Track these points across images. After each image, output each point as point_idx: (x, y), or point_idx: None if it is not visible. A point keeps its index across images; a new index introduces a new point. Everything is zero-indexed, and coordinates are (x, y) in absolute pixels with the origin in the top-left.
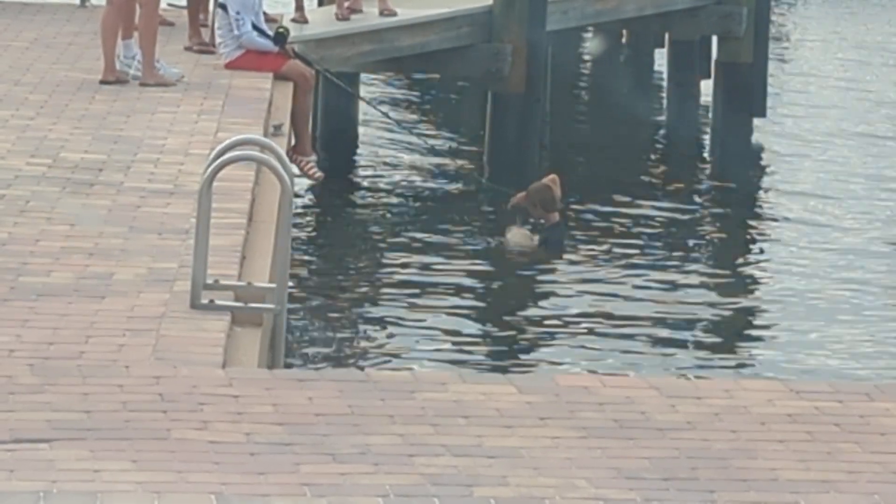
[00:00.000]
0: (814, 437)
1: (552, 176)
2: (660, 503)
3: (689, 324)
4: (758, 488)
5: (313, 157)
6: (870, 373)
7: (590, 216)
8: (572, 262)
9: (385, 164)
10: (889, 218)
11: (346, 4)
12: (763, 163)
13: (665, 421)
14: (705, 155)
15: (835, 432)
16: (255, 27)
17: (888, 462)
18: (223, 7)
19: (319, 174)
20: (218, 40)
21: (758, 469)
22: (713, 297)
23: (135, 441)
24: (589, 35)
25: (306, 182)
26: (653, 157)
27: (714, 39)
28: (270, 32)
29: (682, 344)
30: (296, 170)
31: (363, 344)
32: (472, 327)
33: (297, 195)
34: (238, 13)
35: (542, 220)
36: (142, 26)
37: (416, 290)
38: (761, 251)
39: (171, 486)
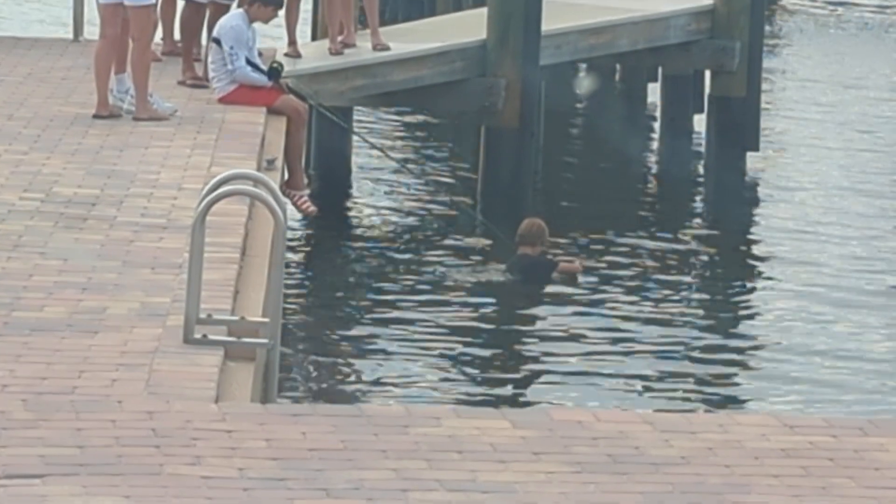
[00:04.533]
0: (808, 472)
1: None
2: None
3: (683, 358)
4: None
5: (306, 192)
6: (864, 407)
7: (583, 251)
8: (565, 296)
9: (378, 198)
10: (882, 253)
11: (339, 39)
12: (756, 197)
13: (659, 456)
14: (698, 189)
15: (829, 467)
16: (248, 62)
17: (883, 497)
18: (217, 42)
19: (313, 208)
20: (211, 75)
21: None
22: (706, 331)
23: (128, 476)
24: (582, 70)
25: (300, 216)
26: (646, 191)
27: (707, 74)
28: (264, 67)
29: (675, 378)
30: (289, 204)
31: (357, 378)
32: (465, 361)
33: (290, 229)
34: (232, 48)
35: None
36: (135, 61)
37: (410, 324)
38: (755, 286)
39: None
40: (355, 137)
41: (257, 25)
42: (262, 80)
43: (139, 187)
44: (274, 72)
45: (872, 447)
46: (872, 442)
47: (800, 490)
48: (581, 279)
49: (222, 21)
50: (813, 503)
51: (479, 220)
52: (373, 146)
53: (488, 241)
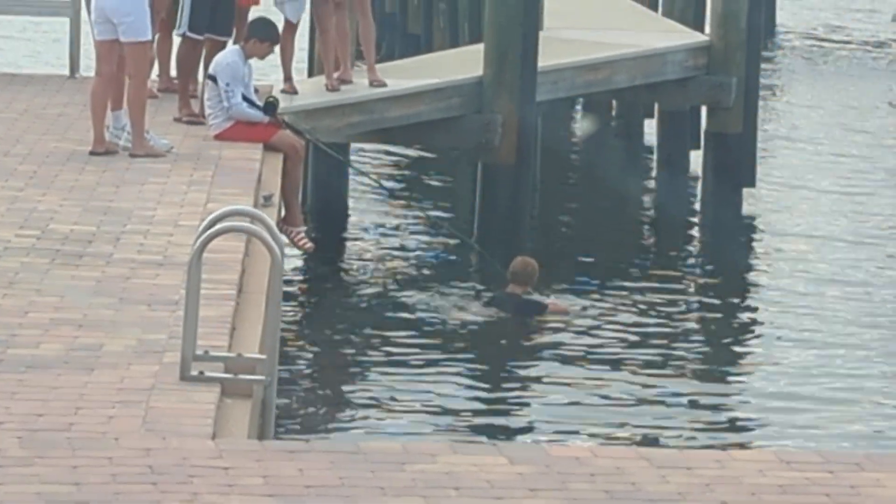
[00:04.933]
0: None
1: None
2: None
3: (679, 394)
4: None
5: (303, 228)
6: (861, 442)
7: (579, 288)
8: (563, 333)
9: (375, 234)
10: (879, 292)
11: (336, 75)
12: (752, 234)
13: (656, 492)
14: (694, 226)
15: (825, 503)
16: (244, 98)
17: None
18: (212, 78)
19: (310, 245)
20: (207, 111)
21: None
22: (702, 367)
23: None
24: (579, 106)
25: (296, 253)
26: (642, 229)
27: (703, 110)
28: (260, 103)
29: (672, 414)
30: (286, 240)
31: (354, 414)
32: (462, 396)
33: (287, 266)
34: (227, 84)
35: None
36: (131, 97)
37: (407, 359)
38: (751, 324)
39: None
40: (352, 173)
41: (253, 61)
42: (259, 115)
43: (135, 224)
44: (270, 106)
45: (869, 483)
46: (869, 477)
47: None
48: (575, 316)
49: (218, 58)
50: None
51: (476, 248)
52: (370, 179)
53: (484, 276)
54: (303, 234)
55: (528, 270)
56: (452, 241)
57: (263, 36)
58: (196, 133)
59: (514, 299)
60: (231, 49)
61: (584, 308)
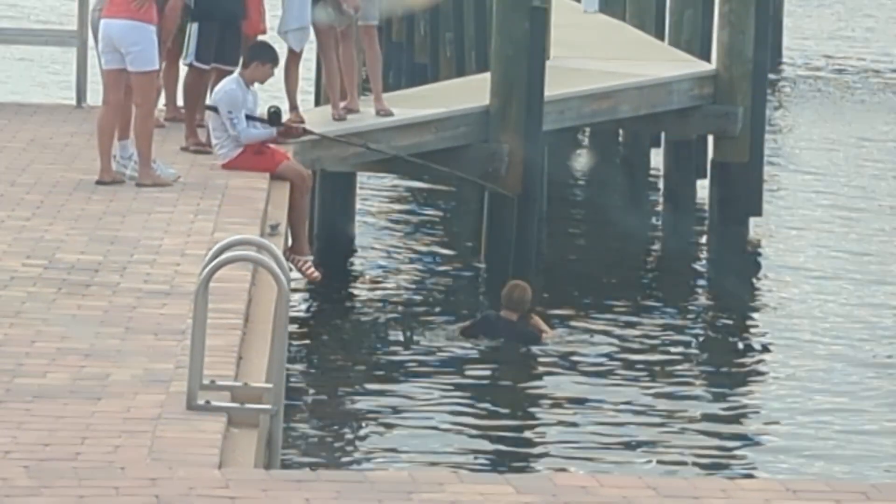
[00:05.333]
0: None
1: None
2: None
3: (685, 423)
4: None
5: (310, 257)
6: (868, 472)
7: (585, 318)
8: (569, 363)
9: (382, 263)
10: (886, 321)
11: (343, 104)
12: (758, 264)
13: None
14: (701, 257)
15: None
16: (248, 117)
17: None
18: (213, 109)
19: (317, 274)
20: (214, 142)
21: None
22: (708, 396)
23: None
24: (585, 136)
25: (304, 282)
26: (647, 260)
27: (710, 139)
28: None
29: (678, 443)
30: (293, 270)
31: (360, 444)
32: (468, 425)
33: (294, 294)
34: (230, 112)
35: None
36: (138, 127)
37: (413, 389)
38: (758, 352)
39: None
40: (359, 204)
41: (257, 88)
42: (268, 132)
43: (142, 253)
44: (273, 116)
45: None
46: None
47: None
48: (578, 345)
49: (217, 88)
50: None
51: (475, 180)
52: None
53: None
54: (310, 263)
55: (525, 297)
56: (457, 268)
57: (264, 58)
58: (203, 162)
59: (509, 325)
60: (228, 78)
61: (589, 337)
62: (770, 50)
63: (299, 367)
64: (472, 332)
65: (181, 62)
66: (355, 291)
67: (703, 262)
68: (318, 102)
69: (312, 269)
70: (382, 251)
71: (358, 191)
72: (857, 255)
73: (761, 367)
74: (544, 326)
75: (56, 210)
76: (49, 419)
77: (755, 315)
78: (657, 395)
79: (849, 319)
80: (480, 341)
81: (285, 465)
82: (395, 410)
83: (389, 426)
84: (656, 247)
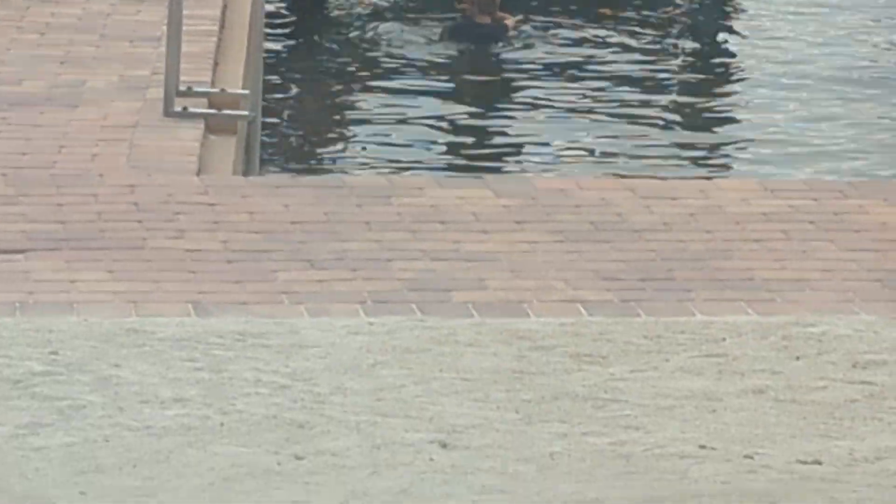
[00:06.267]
0: (789, 236)
1: None
2: (637, 303)
3: (663, 123)
4: (734, 287)
5: None
6: (845, 167)
7: (564, 20)
8: (545, 66)
9: None
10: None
11: None
12: None
13: (641, 222)
14: None
15: (809, 230)
16: None
17: (862, 259)
18: None
19: None
20: None
21: (733, 269)
22: (686, 95)
23: (111, 251)
24: None
25: None
26: None
27: None
28: None
29: (656, 143)
30: None
31: (339, 149)
32: (448, 130)
33: (268, 1)
34: None
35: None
36: None
37: (392, 93)
38: (735, 49)
39: (148, 295)
40: None
41: None
42: None
43: None
44: None
45: (852, 209)
46: (852, 204)
47: (780, 254)
48: (555, 46)
49: None
50: (794, 266)
51: None
52: None
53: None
54: None
55: None
56: None
57: None
58: None
59: (481, 28)
60: None
61: (564, 40)
62: None
63: (277, 72)
64: (447, 37)
65: None
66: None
67: None
68: None
69: None
70: None
71: None
72: None
73: (739, 71)
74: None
75: None
76: (26, 127)
77: (734, 23)
78: (634, 98)
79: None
80: (456, 45)
81: (264, 172)
82: (374, 115)
83: (368, 131)
84: None
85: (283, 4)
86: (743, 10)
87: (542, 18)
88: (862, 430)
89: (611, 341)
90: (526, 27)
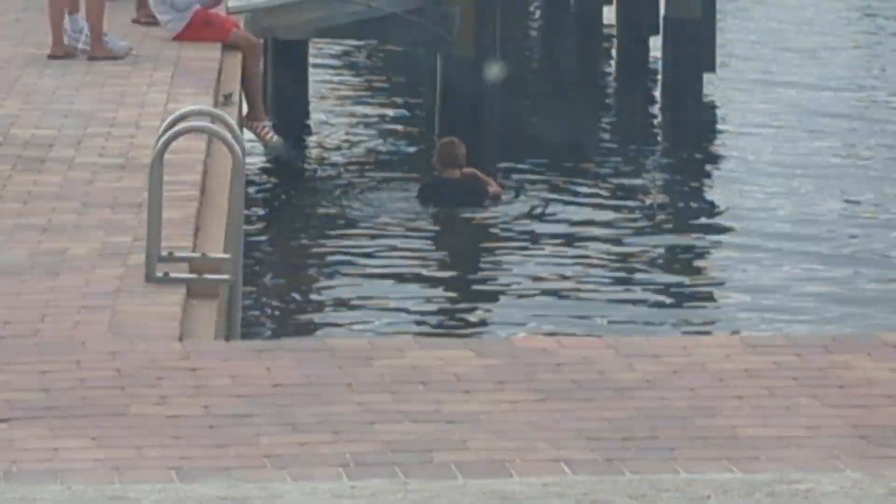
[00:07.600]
0: (772, 393)
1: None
2: (621, 462)
3: (643, 282)
4: (717, 445)
5: (268, 122)
6: (829, 326)
7: (542, 178)
8: (525, 226)
9: (337, 131)
10: (843, 171)
11: None
12: (713, 118)
13: (623, 380)
14: (656, 111)
15: (793, 387)
16: None
17: (847, 416)
18: None
19: (277, 138)
20: (159, 16)
21: (717, 426)
22: (666, 255)
23: (94, 418)
24: None
25: (259, 152)
26: (604, 116)
27: None
28: None
29: (637, 302)
30: (252, 136)
31: (319, 312)
32: (427, 293)
33: (249, 165)
34: None
35: (441, 174)
36: (89, 0)
37: (372, 258)
38: (716, 210)
39: (131, 462)
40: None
41: None
42: None
43: (97, 127)
44: None
45: (836, 365)
46: (836, 360)
47: (765, 410)
48: (533, 206)
49: None
50: (778, 423)
51: (410, 18)
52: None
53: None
54: (268, 129)
55: (452, 150)
56: (414, 133)
57: None
58: (155, 34)
59: (453, 184)
60: None
61: (544, 198)
62: None
63: (257, 236)
64: (420, 201)
65: None
66: (310, 159)
67: (658, 117)
68: None
69: (271, 133)
70: (337, 119)
71: (310, 59)
72: (811, 111)
73: (719, 226)
74: (489, 181)
75: (8, 85)
76: (8, 296)
77: (712, 171)
78: (614, 256)
79: (806, 170)
80: (430, 207)
81: (245, 337)
82: (353, 278)
83: (348, 295)
84: (610, 101)
85: (263, 170)
86: (718, 161)
87: (522, 176)
88: None
89: (595, 501)
90: (509, 194)
